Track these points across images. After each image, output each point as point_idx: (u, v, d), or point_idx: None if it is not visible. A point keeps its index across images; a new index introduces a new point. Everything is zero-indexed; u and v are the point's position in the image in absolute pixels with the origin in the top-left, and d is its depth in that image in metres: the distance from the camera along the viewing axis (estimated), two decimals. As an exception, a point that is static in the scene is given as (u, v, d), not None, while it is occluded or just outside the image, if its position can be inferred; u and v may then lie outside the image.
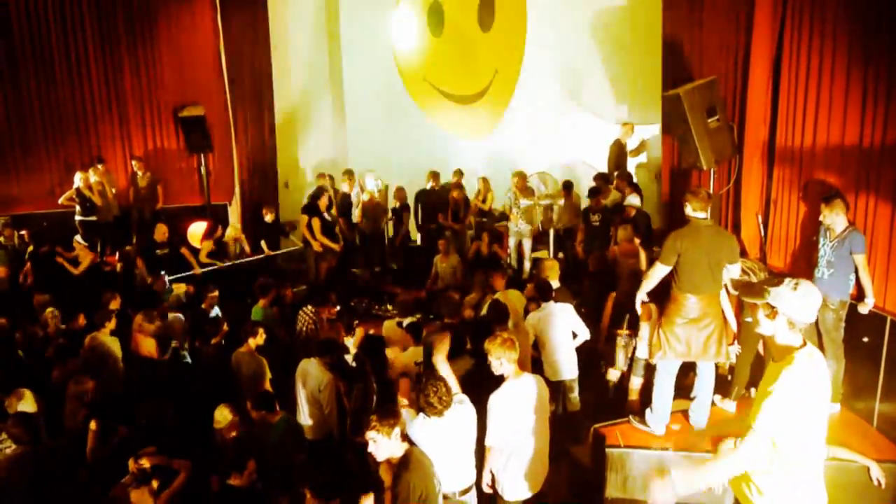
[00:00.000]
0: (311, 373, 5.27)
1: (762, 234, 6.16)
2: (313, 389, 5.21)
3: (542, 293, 5.72)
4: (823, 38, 5.29)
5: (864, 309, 4.91)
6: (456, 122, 12.00)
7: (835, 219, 4.89)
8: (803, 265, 5.51)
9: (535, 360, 5.66)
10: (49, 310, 6.78)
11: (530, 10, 10.49)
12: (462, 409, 3.87)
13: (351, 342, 5.80)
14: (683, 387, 5.04)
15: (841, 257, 4.88)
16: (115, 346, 6.18)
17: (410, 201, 10.60)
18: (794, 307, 2.74)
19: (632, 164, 9.43)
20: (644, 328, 5.19)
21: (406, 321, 5.99)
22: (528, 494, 4.23)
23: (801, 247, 5.68)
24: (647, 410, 4.91)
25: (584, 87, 9.98)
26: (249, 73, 11.19)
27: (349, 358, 5.62)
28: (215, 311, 7.33)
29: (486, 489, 4.23)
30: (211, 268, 9.15)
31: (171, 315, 6.94)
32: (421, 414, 3.75)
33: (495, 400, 4.03)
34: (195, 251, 9.36)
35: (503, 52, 10.96)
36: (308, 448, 5.07)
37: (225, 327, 6.47)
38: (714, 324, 4.65)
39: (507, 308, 5.50)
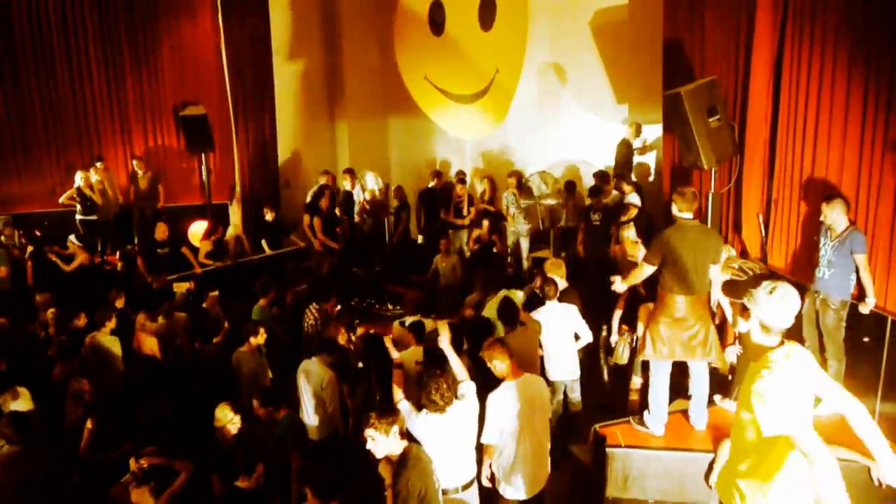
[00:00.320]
0: (312, 371, 5.27)
1: (763, 233, 6.16)
2: (316, 387, 5.21)
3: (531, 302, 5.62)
4: (825, 37, 5.29)
5: (864, 309, 4.91)
6: (457, 122, 11.99)
7: (836, 218, 4.88)
8: (804, 265, 5.50)
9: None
10: (50, 311, 6.79)
11: (531, 9, 10.48)
12: (464, 404, 3.88)
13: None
14: (684, 387, 5.04)
15: (842, 257, 4.88)
16: (114, 345, 6.19)
17: (412, 200, 10.60)
18: (767, 311, 2.75)
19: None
20: (640, 328, 5.20)
21: (408, 320, 5.99)
22: (528, 494, 4.24)
23: (802, 246, 5.68)
24: (646, 412, 4.92)
25: (585, 87, 9.97)
26: (250, 72, 11.18)
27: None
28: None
29: (486, 482, 4.24)
30: (211, 267, 9.15)
31: (176, 314, 6.96)
32: (423, 410, 3.75)
33: (491, 399, 4.07)
34: (196, 250, 9.36)
35: (504, 52, 10.94)
36: (312, 447, 5.07)
37: (226, 326, 6.48)
38: (699, 324, 4.65)
39: (518, 308, 5.48)
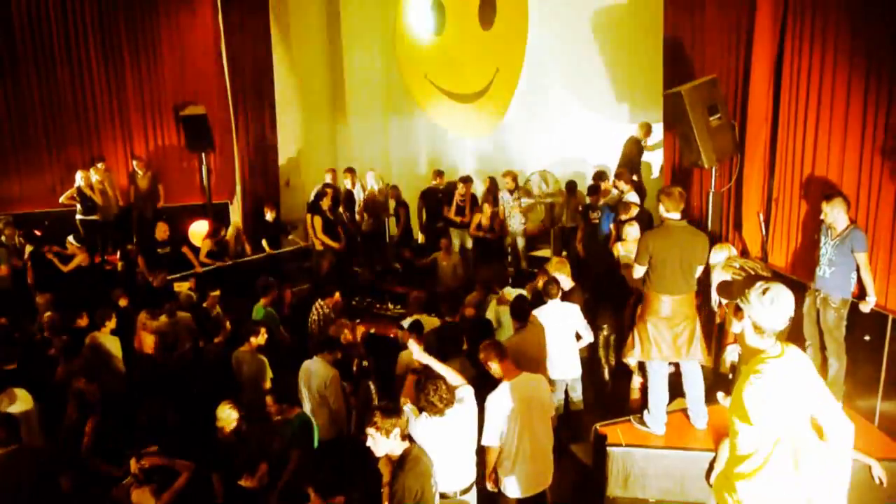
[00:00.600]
0: (314, 371, 5.27)
1: (763, 232, 6.15)
2: (319, 387, 5.20)
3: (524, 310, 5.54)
4: (825, 35, 5.28)
5: (865, 307, 4.90)
6: (457, 121, 11.99)
7: (836, 217, 4.87)
8: (805, 263, 5.50)
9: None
10: (47, 314, 6.78)
11: (531, 8, 10.47)
12: (463, 407, 3.87)
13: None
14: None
15: (842, 255, 4.87)
16: (115, 345, 6.19)
17: (414, 200, 10.58)
18: (759, 312, 2.69)
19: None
20: None
21: (407, 321, 5.99)
22: (530, 493, 4.24)
23: (803, 245, 5.68)
24: (646, 411, 4.92)
25: (585, 86, 9.96)
26: (251, 71, 11.17)
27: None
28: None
29: (490, 487, 4.24)
30: (211, 267, 9.15)
31: (179, 314, 6.96)
32: (422, 413, 3.76)
33: (490, 400, 4.08)
34: (197, 250, 9.37)
35: (504, 51, 10.94)
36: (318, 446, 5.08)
37: (227, 326, 6.47)
38: (686, 324, 4.66)
39: (529, 305, 5.47)
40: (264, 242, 10.02)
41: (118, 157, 11.08)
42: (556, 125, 10.36)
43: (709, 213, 6.38)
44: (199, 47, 11.24)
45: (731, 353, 5.50)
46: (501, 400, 4.08)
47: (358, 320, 6.93)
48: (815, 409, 2.83)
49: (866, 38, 4.90)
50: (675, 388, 5.05)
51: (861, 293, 4.94)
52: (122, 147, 11.16)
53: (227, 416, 4.66)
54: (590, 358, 6.34)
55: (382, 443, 3.33)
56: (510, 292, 6.37)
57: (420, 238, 10.66)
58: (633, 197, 7.94)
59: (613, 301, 6.52)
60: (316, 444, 5.15)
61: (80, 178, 9.84)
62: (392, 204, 10.60)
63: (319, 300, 6.93)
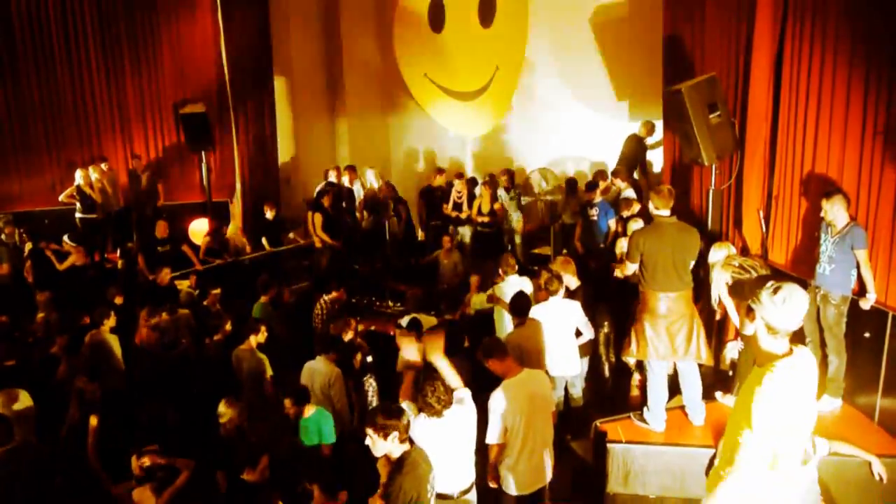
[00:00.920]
0: (318, 370, 5.26)
1: (763, 229, 6.15)
2: (323, 387, 5.20)
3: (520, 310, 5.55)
4: (825, 32, 5.27)
5: (865, 304, 4.90)
6: (457, 119, 11.99)
7: (836, 214, 4.87)
8: (805, 261, 5.50)
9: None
10: (40, 315, 6.78)
11: (531, 6, 10.47)
12: (462, 408, 3.84)
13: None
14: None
15: (842, 253, 4.87)
16: (114, 343, 6.19)
17: (411, 197, 10.58)
18: (771, 312, 2.62)
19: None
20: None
21: (405, 320, 5.99)
22: (530, 489, 4.25)
23: (803, 242, 5.68)
24: (645, 408, 4.93)
25: (585, 83, 9.96)
26: (250, 70, 11.18)
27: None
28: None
29: (491, 484, 4.23)
30: (211, 264, 9.15)
31: (179, 311, 6.97)
32: (421, 413, 3.75)
33: (493, 398, 4.08)
34: (196, 248, 9.37)
35: (504, 49, 10.94)
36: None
37: (229, 326, 6.46)
38: (683, 322, 4.66)
39: (530, 300, 5.47)
40: (264, 241, 10.03)
41: (118, 155, 11.11)
42: (555, 123, 10.36)
43: (709, 211, 6.38)
44: (198, 45, 11.25)
45: (731, 351, 5.51)
46: (505, 398, 4.07)
47: (358, 318, 6.94)
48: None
49: (866, 35, 4.90)
50: (675, 385, 5.06)
51: (861, 290, 4.95)
52: (122, 145, 11.18)
53: (230, 411, 4.65)
54: (591, 355, 6.34)
55: (380, 444, 3.31)
56: (501, 289, 6.32)
57: (420, 235, 10.67)
58: (631, 193, 7.95)
59: (613, 298, 6.52)
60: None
61: (79, 177, 9.85)
62: (390, 203, 10.60)
63: (324, 296, 6.95)
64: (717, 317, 5.63)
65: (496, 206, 9.47)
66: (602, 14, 9.61)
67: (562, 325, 5.54)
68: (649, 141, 9.09)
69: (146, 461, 4.22)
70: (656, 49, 7.62)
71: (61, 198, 10.02)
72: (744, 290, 2.83)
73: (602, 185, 8.49)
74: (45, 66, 10.40)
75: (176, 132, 11.38)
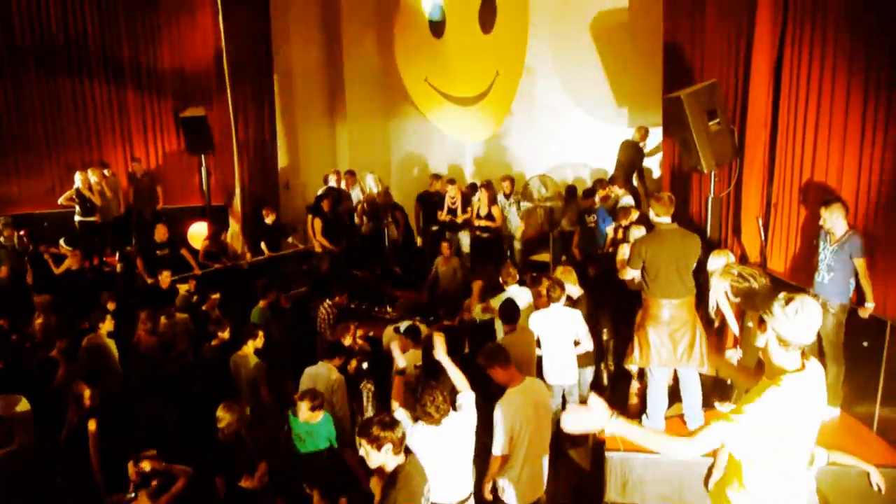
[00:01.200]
0: (320, 375, 5.23)
1: (762, 237, 6.15)
2: (325, 392, 5.17)
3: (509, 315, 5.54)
4: (824, 40, 5.28)
5: (864, 313, 4.90)
6: (457, 124, 12.00)
7: (835, 222, 4.87)
8: (803, 269, 5.50)
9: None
10: (38, 320, 6.77)
11: (532, 11, 10.48)
12: (461, 415, 3.79)
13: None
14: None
15: (841, 261, 4.87)
16: (111, 346, 6.18)
17: (411, 203, 10.58)
18: (783, 324, 2.56)
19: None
20: None
21: (403, 325, 5.98)
22: (530, 499, 4.19)
23: (802, 250, 5.67)
24: (644, 416, 4.91)
25: (585, 90, 9.97)
26: (250, 73, 11.17)
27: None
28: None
29: (488, 496, 4.17)
30: (209, 269, 9.14)
31: (178, 315, 6.95)
32: (418, 421, 3.72)
33: (499, 407, 4.01)
34: (196, 252, 9.36)
35: (504, 54, 10.95)
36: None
37: (228, 332, 6.43)
38: (686, 330, 4.66)
39: (519, 309, 5.46)
40: (263, 245, 10.02)
41: (118, 158, 11.10)
42: (555, 129, 10.37)
43: (708, 218, 6.38)
44: (199, 49, 11.25)
45: (731, 359, 5.50)
46: (512, 407, 4.02)
47: (356, 323, 6.93)
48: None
49: (866, 43, 4.91)
50: (674, 393, 5.05)
51: (860, 299, 4.94)
52: (122, 148, 11.18)
53: (228, 416, 4.62)
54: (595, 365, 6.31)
55: (374, 455, 3.25)
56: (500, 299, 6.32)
57: (418, 241, 10.66)
58: (629, 201, 7.96)
59: (612, 305, 6.51)
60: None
61: (78, 180, 9.84)
62: (387, 210, 10.61)
63: (328, 300, 6.93)
64: (715, 325, 5.62)
65: (494, 208, 9.47)
66: (602, 20, 9.62)
67: (561, 333, 5.52)
68: (647, 147, 9.09)
69: (144, 466, 4.20)
70: (656, 55, 7.63)
71: (60, 200, 10.00)
72: (755, 301, 2.79)
73: (601, 192, 8.49)
74: (46, 68, 10.40)
75: (176, 135, 11.39)
